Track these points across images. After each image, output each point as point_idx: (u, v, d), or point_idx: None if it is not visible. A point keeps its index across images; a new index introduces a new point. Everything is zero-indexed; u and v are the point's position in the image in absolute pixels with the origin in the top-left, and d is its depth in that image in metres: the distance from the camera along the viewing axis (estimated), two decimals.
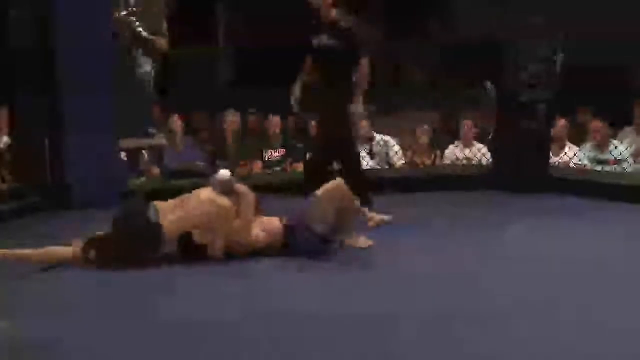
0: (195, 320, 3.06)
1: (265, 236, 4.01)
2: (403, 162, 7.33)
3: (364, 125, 7.23)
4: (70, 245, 3.72)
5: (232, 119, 7.86)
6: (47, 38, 5.50)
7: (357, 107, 5.12)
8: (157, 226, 3.73)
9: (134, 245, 3.66)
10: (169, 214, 3.79)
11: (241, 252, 3.94)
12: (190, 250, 3.84)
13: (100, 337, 2.91)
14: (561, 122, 7.00)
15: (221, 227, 3.85)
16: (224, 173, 4.00)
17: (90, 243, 3.59)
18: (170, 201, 3.90)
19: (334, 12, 5.08)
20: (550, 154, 6.63)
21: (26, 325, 3.02)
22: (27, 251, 3.57)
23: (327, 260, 4.02)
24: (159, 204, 3.86)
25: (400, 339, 2.86)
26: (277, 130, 7.66)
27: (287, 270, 3.87)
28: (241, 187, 4.02)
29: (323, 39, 5.07)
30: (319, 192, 4.03)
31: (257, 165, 7.42)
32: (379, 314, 3.12)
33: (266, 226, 4.03)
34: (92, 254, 3.56)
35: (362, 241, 4.25)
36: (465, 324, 2.99)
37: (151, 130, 6.35)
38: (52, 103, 5.53)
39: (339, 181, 4.08)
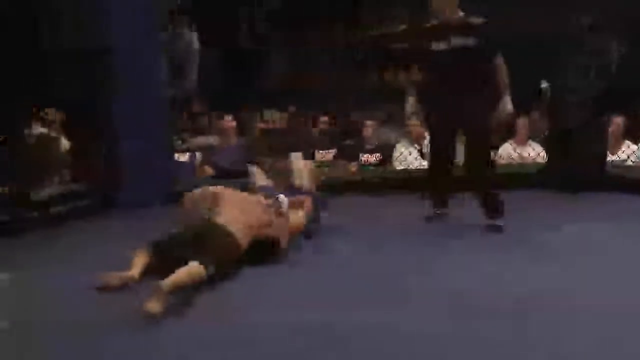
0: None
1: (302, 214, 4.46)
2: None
3: (414, 124, 7.19)
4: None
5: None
6: (103, 41, 5.59)
7: (507, 104, 4.70)
8: (233, 236, 3.87)
9: (226, 257, 3.78)
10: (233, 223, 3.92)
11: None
12: (268, 249, 4.07)
13: None
14: (617, 120, 6.85)
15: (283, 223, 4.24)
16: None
17: (206, 262, 3.60)
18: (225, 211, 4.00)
19: (459, 11, 4.73)
20: (608, 152, 6.51)
21: None
22: (175, 277, 3.47)
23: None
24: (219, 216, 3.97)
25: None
26: (325, 130, 7.65)
27: None
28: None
29: (454, 41, 4.66)
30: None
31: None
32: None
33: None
34: (211, 269, 3.60)
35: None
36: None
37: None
38: (107, 105, 5.63)
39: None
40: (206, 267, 3.55)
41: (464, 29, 4.64)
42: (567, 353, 2.76)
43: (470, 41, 4.61)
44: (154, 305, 3.21)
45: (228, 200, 4.11)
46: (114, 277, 3.59)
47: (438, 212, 5.06)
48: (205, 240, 3.75)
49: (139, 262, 3.71)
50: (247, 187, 4.59)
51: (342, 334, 2.99)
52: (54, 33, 5.69)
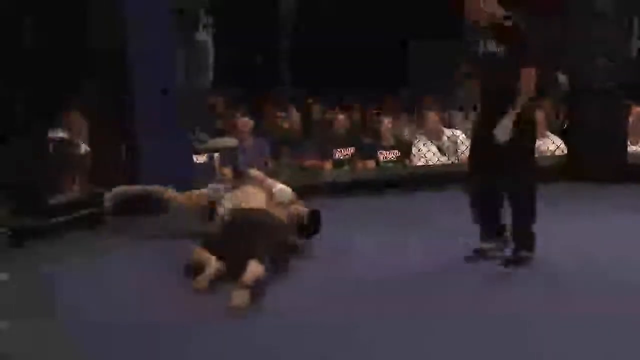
0: None
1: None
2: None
3: (434, 118, 7.17)
4: None
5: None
6: (121, 41, 5.58)
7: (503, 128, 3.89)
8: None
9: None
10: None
11: None
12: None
13: None
14: (638, 110, 6.80)
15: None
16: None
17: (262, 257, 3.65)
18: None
19: (496, 9, 4.00)
20: (628, 143, 6.50)
21: None
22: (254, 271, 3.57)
23: None
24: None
25: None
26: (344, 128, 7.63)
27: None
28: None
29: (488, 46, 3.99)
30: None
31: (327, 164, 7.39)
32: None
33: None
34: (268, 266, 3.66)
35: None
36: None
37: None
38: (127, 107, 5.62)
39: None
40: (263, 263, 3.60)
41: (495, 30, 3.98)
42: None
43: (493, 46, 3.97)
44: (240, 300, 3.29)
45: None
46: (205, 278, 3.61)
47: (485, 248, 4.16)
48: (259, 233, 3.77)
49: (209, 257, 3.72)
50: None
51: None
52: (74, 34, 5.68)
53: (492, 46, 3.97)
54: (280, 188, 4.20)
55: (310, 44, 9.50)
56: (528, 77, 3.90)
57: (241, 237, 3.74)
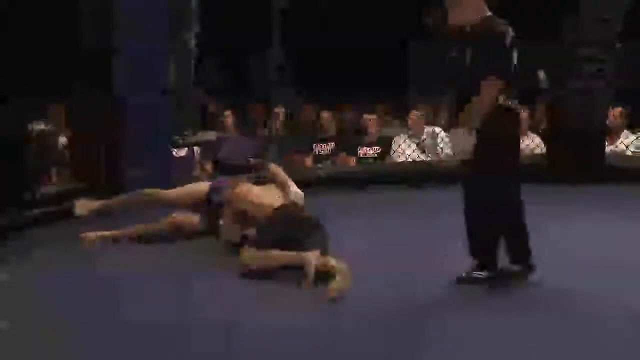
0: None
1: None
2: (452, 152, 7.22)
3: (414, 116, 7.19)
4: None
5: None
6: (106, 38, 5.57)
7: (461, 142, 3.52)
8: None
9: None
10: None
11: None
12: None
13: None
14: (616, 111, 6.86)
15: None
16: None
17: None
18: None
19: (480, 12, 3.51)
20: (606, 143, 6.56)
21: None
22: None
23: None
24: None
25: None
26: (328, 123, 7.65)
27: None
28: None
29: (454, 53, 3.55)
30: None
31: (308, 159, 7.41)
32: None
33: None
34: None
35: None
36: None
37: None
38: (108, 102, 5.62)
39: None
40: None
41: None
42: None
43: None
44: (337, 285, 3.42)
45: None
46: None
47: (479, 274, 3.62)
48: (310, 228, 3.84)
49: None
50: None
51: None
52: (62, 31, 5.67)
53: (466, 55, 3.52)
54: (297, 191, 4.14)
55: (306, 43, 9.50)
56: (481, 97, 3.43)
57: (296, 232, 3.81)
